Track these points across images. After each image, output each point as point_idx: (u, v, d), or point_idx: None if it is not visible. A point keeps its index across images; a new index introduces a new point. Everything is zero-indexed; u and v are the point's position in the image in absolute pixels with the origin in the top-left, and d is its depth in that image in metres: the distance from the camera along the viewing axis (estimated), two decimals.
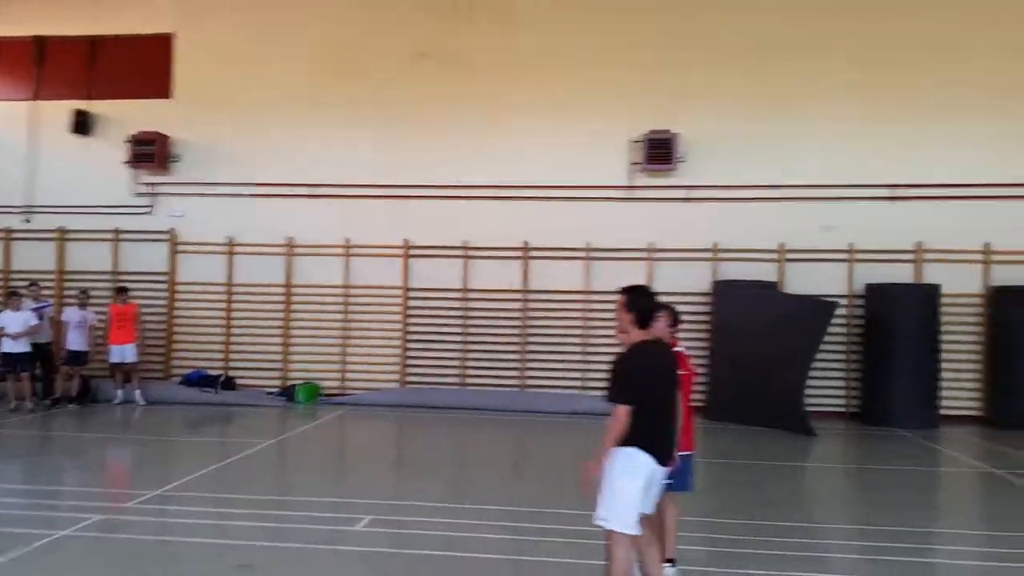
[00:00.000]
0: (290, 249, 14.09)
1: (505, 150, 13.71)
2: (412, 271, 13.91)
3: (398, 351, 13.88)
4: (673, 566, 5.24)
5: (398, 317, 13.89)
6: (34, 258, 14.52)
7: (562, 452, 10.23)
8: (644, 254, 13.38)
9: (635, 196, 13.56)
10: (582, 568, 5.57)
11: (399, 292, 13.88)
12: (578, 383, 13.47)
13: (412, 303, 13.91)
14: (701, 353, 12.61)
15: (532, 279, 13.68)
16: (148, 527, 6.40)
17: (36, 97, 14.75)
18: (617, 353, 4.60)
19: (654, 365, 4.51)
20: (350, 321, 14.00)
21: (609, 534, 4.41)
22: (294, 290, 14.12)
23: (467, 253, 13.76)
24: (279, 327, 14.10)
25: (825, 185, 13.05)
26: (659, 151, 13.25)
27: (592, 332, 13.39)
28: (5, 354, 12.13)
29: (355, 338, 13.99)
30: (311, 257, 14.09)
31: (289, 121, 14.11)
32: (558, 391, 13.40)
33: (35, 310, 12.50)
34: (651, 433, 4.36)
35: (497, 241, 13.69)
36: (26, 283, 13.20)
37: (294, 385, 13.59)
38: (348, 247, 13.96)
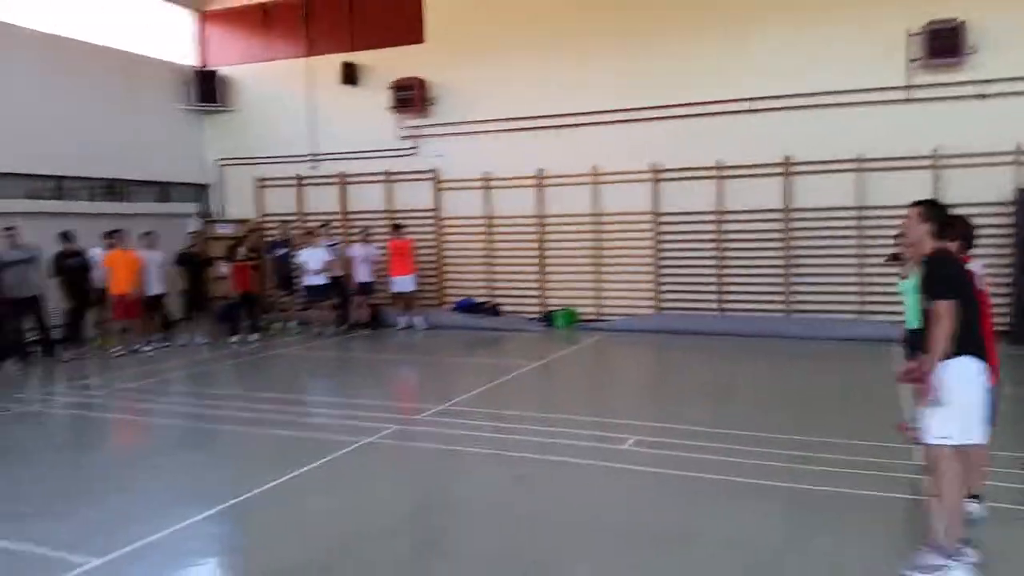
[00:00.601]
0: (542, 180, 14.43)
1: (758, 58, 12.74)
2: (662, 195, 13.62)
3: (652, 277, 13.79)
4: (978, 502, 4.74)
5: (650, 242, 13.75)
6: (322, 201, 16.30)
7: (835, 381, 9.62)
8: (928, 162, 11.89)
9: (915, 97, 12.02)
10: (858, 499, 5.26)
11: (650, 217, 13.69)
12: (853, 307, 12.50)
13: (664, 227, 13.67)
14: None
15: (795, 196, 12.79)
16: (436, 437, 7.05)
17: (309, 53, 16.29)
18: (930, 254, 4.32)
19: (964, 272, 4.34)
20: (602, 248, 14.12)
21: (938, 455, 4.18)
22: (547, 220, 14.49)
23: (721, 173, 13.16)
24: (535, 256, 14.62)
25: None
26: (944, 43, 11.53)
27: (868, 251, 12.28)
28: (307, 287, 13.93)
29: (608, 265, 14.11)
30: (562, 187, 14.32)
31: (532, 55, 14.23)
32: (828, 316, 12.56)
33: (329, 247, 14.10)
34: (976, 340, 4.19)
35: (753, 158, 12.92)
36: (320, 224, 14.89)
37: (553, 311, 14.10)
38: (597, 174, 13.98)
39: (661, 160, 13.52)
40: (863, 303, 12.40)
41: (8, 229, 11.47)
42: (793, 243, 12.85)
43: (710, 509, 5.23)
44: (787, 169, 12.75)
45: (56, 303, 11.78)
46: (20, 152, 13.28)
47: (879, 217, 12.05)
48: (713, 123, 13.12)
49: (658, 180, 13.59)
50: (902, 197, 11.71)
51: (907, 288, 5.84)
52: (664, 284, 13.75)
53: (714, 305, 13.37)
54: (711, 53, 13.04)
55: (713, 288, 13.37)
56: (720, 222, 13.23)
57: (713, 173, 13.19)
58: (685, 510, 5.22)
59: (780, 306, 12.96)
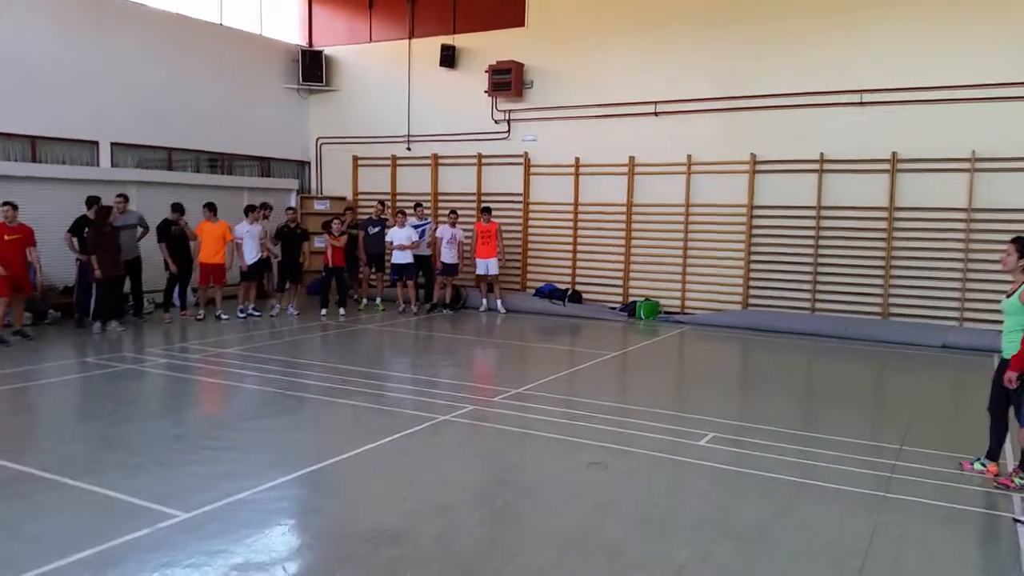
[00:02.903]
0: (633, 168, 14.24)
1: (867, 48, 12.20)
2: (759, 187, 13.22)
3: (741, 272, 13.43)
4: None
5: (742, 236, 13.38)
6: (414, 181, 16.58)
7: (929, 389, 9.15)
8: None
9: None
10: (955, 512, 5.02)
11: (744, 210, 13.32)
12: (954, 313, 11.87)
13: (758, 221, 13.27)
14: None
15: (900, 195, 12.19)
16: (511, 420, 7.10)
17: (412, 36, 16.53)
18: None
19: None
20: (691, 240, 13.83)
21: None
22: (636, 208, 14.30)
23: (822, 167, 12.67)
24: (621, 244, 14.46)
25: None
26: None
27: (974, 256, 11.62)
28: (394, 265, 14.22)
29: (696, 257, 13.82)
30: (653, 175, 14.09)
31: (631, 41, 14.07)
32: (927, 321, 11.97)
33: (417, 227, 14.34)
34: None
35: (857, 153, 12.38)
36: (412, 204, 15.14)
37: (635, 302, 13.93)
38: (690, 164, 13.69)
39: (760, 151, 13.12)
40: (965, 309, 11.75)
41: (120, 196, 12.19)
42: (896, 243, 12.27)
43: (788, 510, 5.08)
44: (893, 166, 12.16)
45: (156, 269, 12.44)
46: (135, 124, 14.07)
47: (989, 220, 11.39)
48: (817, 115, 12.64)
49: (755, 172, 13.19)
50: (1021, 200, 11.17)
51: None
52: (755, 280, 13.37)
53: (806, 304, 12.93)
54: (817, 42, 12.57)
55: (806, 286, 12.93)
56: (819, 218, 12.75)
57: (815, 167, 12.71)
58: (761, 509, 5.09)
59: (877, 308, 12.43)
